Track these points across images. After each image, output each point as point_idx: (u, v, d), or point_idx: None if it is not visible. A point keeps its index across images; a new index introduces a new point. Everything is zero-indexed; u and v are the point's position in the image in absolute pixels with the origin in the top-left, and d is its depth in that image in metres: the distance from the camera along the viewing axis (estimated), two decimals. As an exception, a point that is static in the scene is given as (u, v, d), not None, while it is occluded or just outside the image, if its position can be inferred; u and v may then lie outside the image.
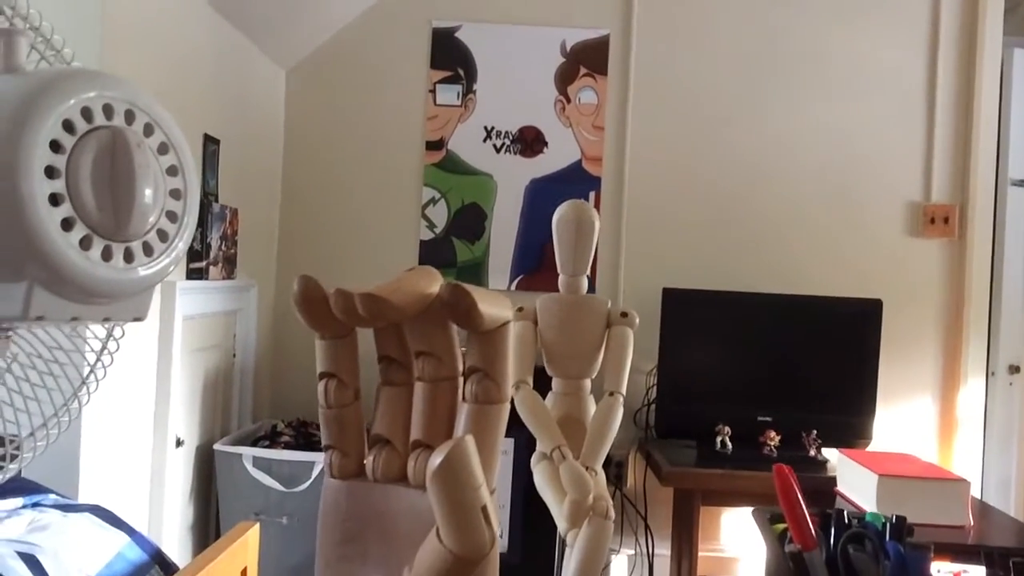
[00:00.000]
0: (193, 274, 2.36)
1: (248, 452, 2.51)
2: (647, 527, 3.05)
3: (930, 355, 3.20)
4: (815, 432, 2.78)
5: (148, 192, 0.76)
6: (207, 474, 2.59)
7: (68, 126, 0.71)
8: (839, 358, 2.88)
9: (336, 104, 3.20)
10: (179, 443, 2.36)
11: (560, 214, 2.42)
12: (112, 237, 0.74)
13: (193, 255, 2.36)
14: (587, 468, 2.13)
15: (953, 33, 3.18)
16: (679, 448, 2.80)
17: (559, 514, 2.10)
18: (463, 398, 1.20)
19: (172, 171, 0.81)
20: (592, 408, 2.36)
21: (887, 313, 2.91)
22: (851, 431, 2.86)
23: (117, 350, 1.04)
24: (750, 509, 2.92)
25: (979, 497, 3.01)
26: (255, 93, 2.91)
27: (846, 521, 1.05)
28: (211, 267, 2.45)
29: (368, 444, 1.30)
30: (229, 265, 2.61)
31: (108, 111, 0.75)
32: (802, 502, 0.98)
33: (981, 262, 3.16)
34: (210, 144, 2.48)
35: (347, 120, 3.20)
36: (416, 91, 3.19)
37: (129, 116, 0.78)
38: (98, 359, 0.99)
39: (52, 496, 1.51)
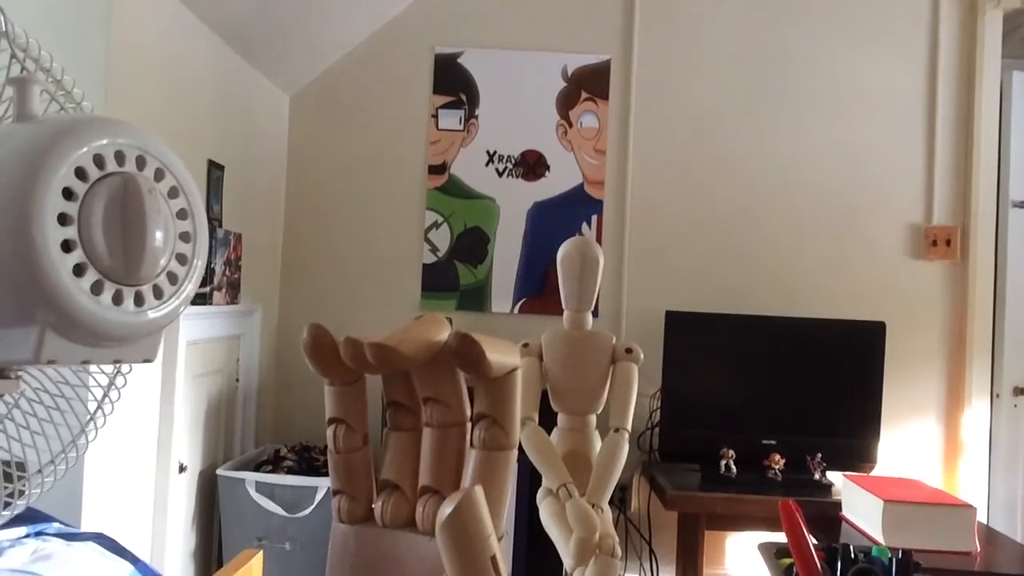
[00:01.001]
0: (197, 299, 2.36)
1: (251, 477, 2.51)
2: (651, 551, 3.04)
3: (934, 377, 3.19)
4: (819, 455, 2.77)
5: (159, 236, 0.77)
6: (210, 499, 2.58)
7: (80, 173, 0.72)
8: (843, 381, 2.88)
9: (339, 129, 3.22)
10: (182, 468, 2.36)
11: (564, 251, 2.43)
12: (123, 281, 0.75)
13: (197, 281, 2.36)
14: (593, 505, 2.13)
15: (953, 55, 3.20)
16: (683, 472, 2.80)
17: (565, 551, 2.09)
18: (471, 444, 1.22)
19: (182, 214, 0.83)
20: (598, 444, 2.36)
21: (890, 335, 2.91)
22: (856, 454, 2.85)
23: (124, 385, 1.04)
24: (755, 533, 2.92)
25: (985, 521, 3.00)
26: (259, 119, 2.93)
27: (852, 556, 1.05)
28: (215, 292, 2.46)
29: (377, 489, 1.31)
30: (233, 290, 2.62)
31: (120, 158, 0.76)
32: (809, 538, 0.97)
33: (984, 284, 3.16)
34: (214, 170, 2.50)
35: (350, 145, 3.22)
36: (418, 116, 3.21)
37: (140, 162, 0.79)
38: (105, 395, 1.00)
39: (55, 525, 1.51)
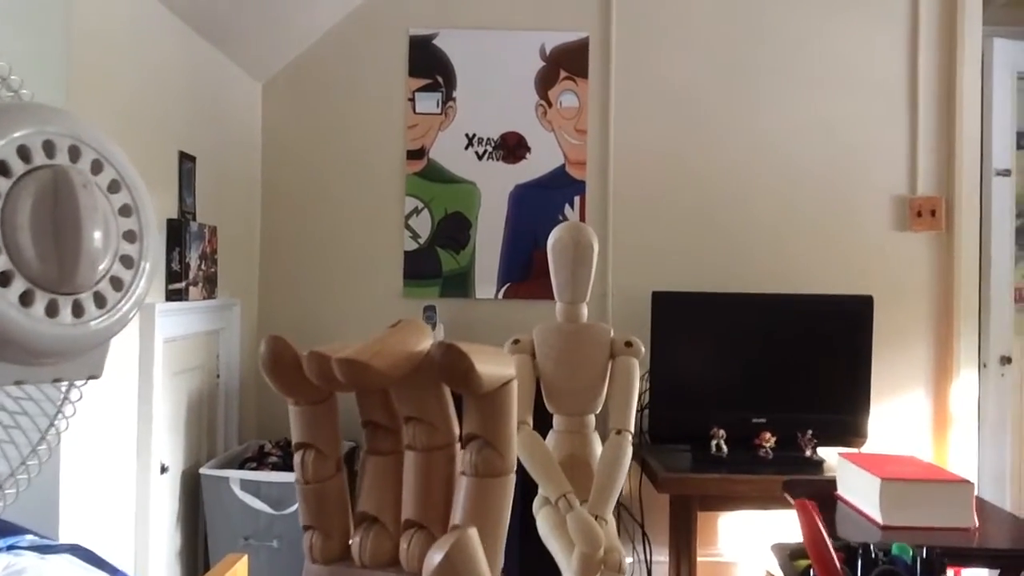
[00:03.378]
0: (172, 295, 2.30)
1: (235, 475, 2.45)
2: (644, 534, 3.02)
3: (922, 349, 3.18)
4: (810, 432, 2.75)
5: (97, 236, 0.69)
6: (194, 499, 2.53)
7: (3, 168, 0.63)
8: (832, 356, 2.86)
9: (314, 116, 3.15)
10: (164, 469, 2.30)
11: (555, 237, 2.28)
12: (57, 290, 0.67)
13: (172, 276, 2.30)
14: (596, 517, 2.00)
15: (933, 25, 3.17)
16: (674, 453, 2.77)
17: (567, 566, 1.96)
18: (461, 470, 1.05)
19: (125, 211, 0.74)
20: (597, 446, 2.22)
21: (877, 309, 2.88)
22: (846, 430, 2.84)
23: (80, 399, 0.96)
24: (747, 512, 2.89)
25: (975, 491, 2.99)
26: (231, 108, 2.85)
27: (873, 556, 1.01)
28: (191, 287, 2.39)
29: (354, 523, 1.14)
30: (210, 284, 2.55)
31: (49, 148, 0.68)
32: (827, 539, 0.93)
33: (969, 253, 3.15)
34: (186, 161, 2.43)
35: (326, 132, 3.15)
36: (395, 100, 3.14)
37: (74, 153, 0.70)
38: (58, 411, 0.91)
39: (29, 537, 1.44)
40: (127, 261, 0.74)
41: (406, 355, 1.00)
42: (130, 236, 0.74)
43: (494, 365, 1.01)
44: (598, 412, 2.26)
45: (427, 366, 1.00)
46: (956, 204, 3.14)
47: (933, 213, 3.14)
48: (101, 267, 0.70)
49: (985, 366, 3.25)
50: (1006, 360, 3.33)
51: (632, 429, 2.16)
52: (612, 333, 2.27)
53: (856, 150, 3.17)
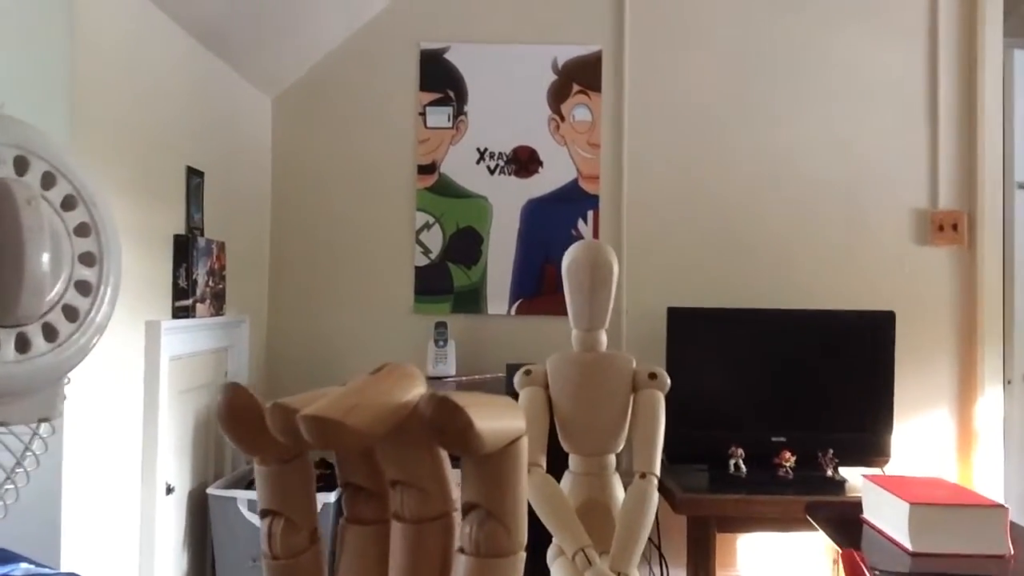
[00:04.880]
0: (179, 312, 2.26)
1: (243, 495, 2.41)
2: (661, 556, 2.94)
3: (945, 366, 3.10)
4: (831, 451, 2.69)
5: (43, 260, 0.60)
6: (201, 520, 2.48)
7: None
8: (853, 373, 2.79)
9: (324, 131, 3.12)
10: (169, 490, 2.25)
11: (570, 258, 2.07)
12: None
13: (179, 293, 2.26)
14: (619, 574, 1.81)
15: (953, 37, 3.11)
16: (692, 473, 2.70)
17: None
18: (459, 546, 0.86)
19: (82, 230, 0.65)
20: (619, 490, 2.02)
21: (899, 325, 2.82)
22: (868, 449, 2.77)
23: (52, 434, 0.85)
24: (767, 534, 2.82)
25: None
26: (240, 123, 2.82)
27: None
28: (198, 304, 2.36)
29: None
30: (217, 301, 2.51)
31: None
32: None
33: (992, 268, 3.07)
34: (193, 177, 2.40)
35: (336, 147, 3.12)
36: (406, 114, 3.11)
37: (20, 165, 0.61)
38: (26, 450, 0.80)
39: (24, 565, 1.40)
40: (83, 287, 0.64)
41: (390, 409, 0.82)
42: (87, 259, 0.65)
43: (498, 419, 0.83)
44: (619, 451, 2.06)
45: (416, 421, 0.82)
46: (978, 218, 3.07)
47: (955, 227, 3.07)
48: (50, 295, 0.61)
49: (1010, 383, 3.17)
50: (1031, 377, 3.24)
51: (658, 472, 1.95)
52: (635, 363, 2.06)
53: (876, 163, 3.11)
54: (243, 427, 0.89)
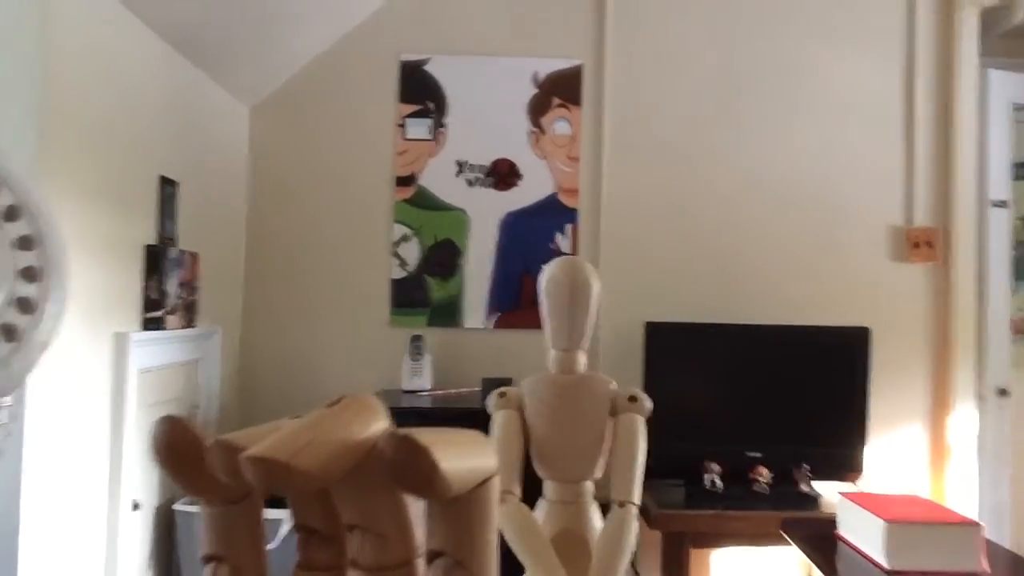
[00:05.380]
0: (149, 324, 2.22)
1: (213, 511, 2.36)
2: (636, 572, 2.92)
3: (919, 382, 3.12)
4: (806, 466, 2.69)
5: None
6: (167, 537, 2.43)
7: None
8: (828, 389, 2.80)
9: (302, 141, 3.09)
10: (136, 506, 2.21)
11: (549, 275, 1.98)
12: None
13: (149, 304, 2.22)
14: None
15: (930, 56, 3.14)
16: (667, 488, 2.69)
17: None
18: None
19: (25, 243, 0.60)
20: (596, 518, 1.94)
21: (875, 340, 2.83)
22: (842, 463, 2.78)
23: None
24: (741, 548, 2.81)
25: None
26: (216, 132, 2.79)
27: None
28: (169, 316, 2.32)
29: None
30: (189, 313, 2.47)
31: None
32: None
33: (966, 285, 3.09)
34: (167, 186, 2.36)
35: (314, 157, 3.09)
36: (385, 126, 3.09)
37: None
38: None
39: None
40: (24, 304, 0.60)
41: (347, 447, 0.73)
42: (29, 274, 0.61)
43: (467, 458, 0.75)
44: (598, 477, 1.97)
45: (376, 461, 0.73)
46: (953, 235, 3.10)
47: (930, 244, 3.09)
48: None
49: (982, 398, 3.19)
50: (1003, 392, 3.27)
51: (638, 500, 1.87)
52: (613, 386, 1.99)
53: (853, 180, 3.13)
54: (182, 464, 0.81)
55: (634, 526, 1.85)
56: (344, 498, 0.78)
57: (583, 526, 1.91)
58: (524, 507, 1.86)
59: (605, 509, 1.96)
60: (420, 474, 0.69)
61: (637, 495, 1.89)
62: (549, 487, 1.96)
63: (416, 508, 0.78)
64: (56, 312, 0.60)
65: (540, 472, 1.96)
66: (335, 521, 0.84)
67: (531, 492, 1.96)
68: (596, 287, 1.98)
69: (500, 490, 1.63)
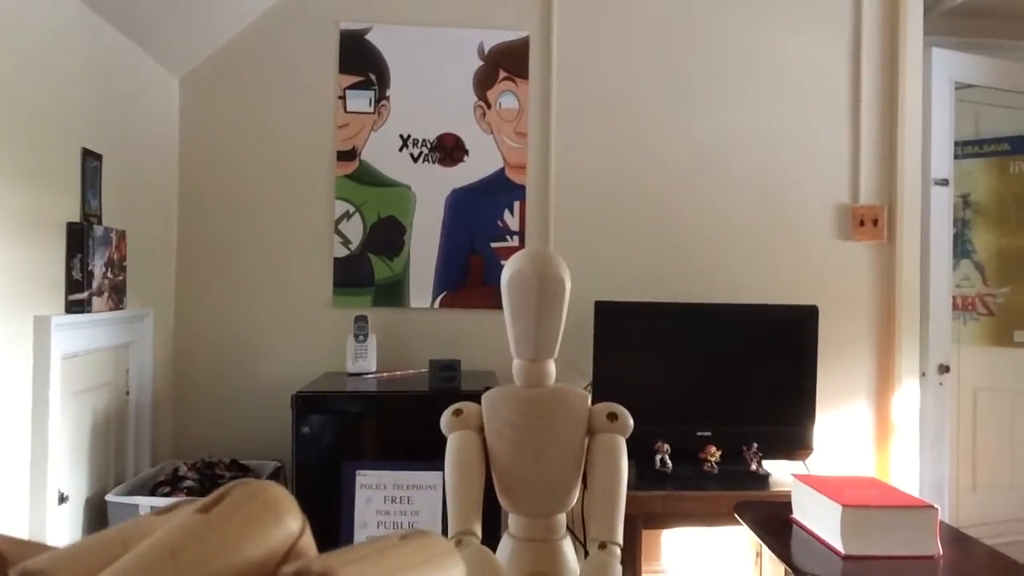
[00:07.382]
0: (73, 307, 2.08)
1: (145, 501, 2.24)
2: (587, 554, 2.89)
3: (865, 359, 3.14)
4: (756, 445, 2.69)
5: None
6: (100, 529, 2.30)
7: None
8: (777, 367, 2.79)
9: (237, 113, 2.94)
10: (63, 499, 2.08)
11: (513, 269, 1.63)
12: None
13: (73, 285, 2.08)
14: None
15: (876, 33, 3.14)
16: (618, 470, 2.65)
17: None
18: None
19: None
20: (571, 561, 1.67)
21: (822, 319, 2.83)
22: (792, 442, 2.78)
23: None
24: (692, 528, 2.80)
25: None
26: (144, 102, 2.63)
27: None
28: (95, 297, 2.18)
29: None
30: (117, 294, 2.33)
31: None
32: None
33: (911, 263, 3.12)
34: (90, 159, 2.21)
35: (249, 130, 2.95)
36: (325, 98, 2.96)
37: None
38: None
39: None
40: None
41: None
42: None
43: None
44: (571, 508, 1.70)
45: None
46: (898, 213, 3.11)
47: (875, 222, 3.11)
48: None
49: (923, 375, 3.24)
50: (944, 368, 3.33)
51: (621, 540, 1.59)
52: (590, 401, 1.69)
53: (799, 158, 3.12)
54: None
55: (618, 572, 1.56)
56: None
57: (556, 568, 1.63)
58: (486, 551, 1.55)
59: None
60: None
61: (620, 534, 1.60)
62: (515, 522, 1.65)
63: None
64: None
65: (505, 505, 1.66)
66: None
67: (494, 531, 1.66)
68: (568, 284, 1.67)
69: (456, 530, 1.50)
